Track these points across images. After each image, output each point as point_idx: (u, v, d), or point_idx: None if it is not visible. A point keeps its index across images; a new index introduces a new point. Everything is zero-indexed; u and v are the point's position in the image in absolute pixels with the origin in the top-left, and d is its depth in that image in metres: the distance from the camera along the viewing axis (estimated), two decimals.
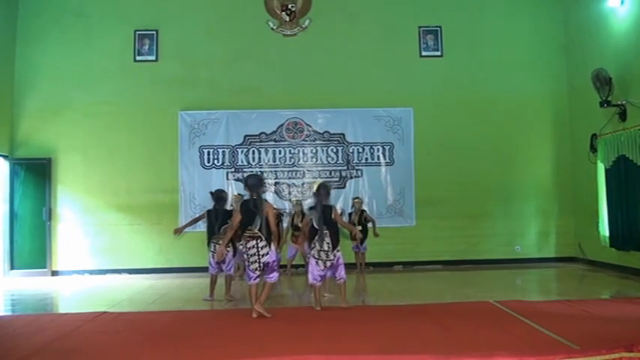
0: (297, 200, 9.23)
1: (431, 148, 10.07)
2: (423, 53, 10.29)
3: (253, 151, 10.01)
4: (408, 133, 10.11)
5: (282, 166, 10.03)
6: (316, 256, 6.00)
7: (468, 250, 9.99)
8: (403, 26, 10.29)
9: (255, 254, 5.56)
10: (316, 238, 5.97)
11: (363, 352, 3.99)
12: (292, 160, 10.05)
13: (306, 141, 10.09)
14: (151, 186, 9.83)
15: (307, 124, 10.09)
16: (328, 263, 6.00)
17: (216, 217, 6.75)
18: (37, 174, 9.75)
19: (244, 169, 9.90)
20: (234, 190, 9.79)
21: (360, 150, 10.10)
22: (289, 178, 10.03)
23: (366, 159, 10.10)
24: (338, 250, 6.03)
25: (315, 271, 6.02)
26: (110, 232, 9.79)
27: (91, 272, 9.63)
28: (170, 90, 9.99)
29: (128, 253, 9.75)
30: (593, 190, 9.07)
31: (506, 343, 4.29)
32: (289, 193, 9.99)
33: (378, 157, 10.10)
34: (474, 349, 4.10)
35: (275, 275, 5.71)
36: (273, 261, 5.65)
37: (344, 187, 9.99)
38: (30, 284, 8.73)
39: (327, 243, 5.92)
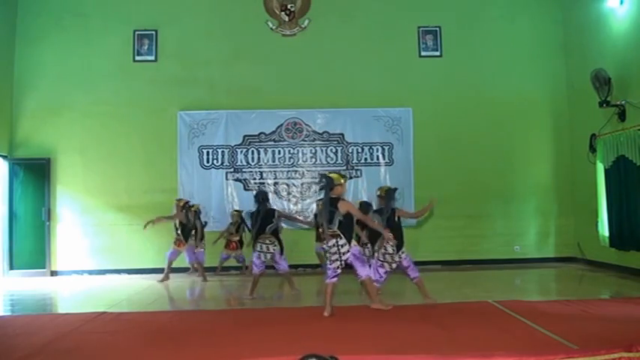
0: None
1: (430, 148, 10.07)
2: (423, 53, 10.29)
3: (252, 151, 10.00)
4: (407, 134, 10.09)
5: (282, 166, 10.02)
6: (381, 259, 6.17)
7: (467, 250, 9.99)
8: (402, 26, 10.28)
9: (336, 252, 5.63)
10: (380, 240, 6.13)
11: (362, 352, 3.98)
12: (291, 160, 10.04)
13: (305, 141, 10.08)
14: (150, 186, 9.82)
15: (306, 124, 10.08)
16: (394, 265, 6.16)
17: (257, 218, 6.89)
18: (36, 174, 9.75)
19: (243, 169, 9.91)
20: (232, 190, 9.83)
21: (360, 150, 10.10)
22: (288, 178, 10.01)
23: (366, 159, 10.09)
24: (403, 252, 6.14)
25: (379, 271, 6.20)
26: (109, 232, 9.78)
27: (90, 272, 9.63)
28: (169, 90, 9.98)
29: (127, 254, 9.74)
30: (592, 190, 9.06)
31: (505, 343, 4.29)
32: (288, 194, 9.98)
33: (378, 157, 10.10)
34: (473, 349, 4.10)
35: (364, 271, 5.74)
36: (356, 258, 5.71)
37: None
38: (29, 284, 8.72)
39: (392, 246, 6.04)
